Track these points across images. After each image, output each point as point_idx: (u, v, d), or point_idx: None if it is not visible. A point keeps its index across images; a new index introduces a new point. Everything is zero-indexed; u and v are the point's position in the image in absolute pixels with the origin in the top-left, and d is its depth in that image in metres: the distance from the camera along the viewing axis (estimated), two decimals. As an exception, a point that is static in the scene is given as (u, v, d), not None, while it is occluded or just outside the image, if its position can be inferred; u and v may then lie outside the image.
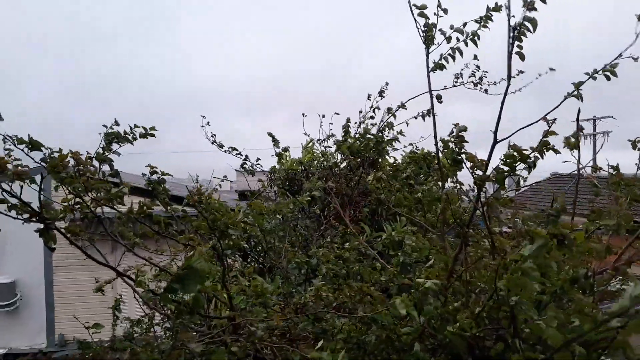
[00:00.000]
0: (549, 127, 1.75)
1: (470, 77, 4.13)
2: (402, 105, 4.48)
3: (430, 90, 2.63)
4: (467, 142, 1.77)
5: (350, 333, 1.88)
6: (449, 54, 2.76)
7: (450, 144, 1.77)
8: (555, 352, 1.48)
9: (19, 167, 1.77)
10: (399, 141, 4.50)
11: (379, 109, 4.78)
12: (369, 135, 4.44)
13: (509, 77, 2.00)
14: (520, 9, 1.95)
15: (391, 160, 6.20)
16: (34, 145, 1.88)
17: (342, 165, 5.68)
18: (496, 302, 1.84)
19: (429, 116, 4.60)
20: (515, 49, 2.00)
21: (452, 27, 2.65)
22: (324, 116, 5.54)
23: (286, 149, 5.98)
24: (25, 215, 1.79)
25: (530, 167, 1.80)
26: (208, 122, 5.51)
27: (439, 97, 2.75)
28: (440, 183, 4.60)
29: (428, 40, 2.61)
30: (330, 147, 5.69)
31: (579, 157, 2.18)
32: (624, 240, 2.28)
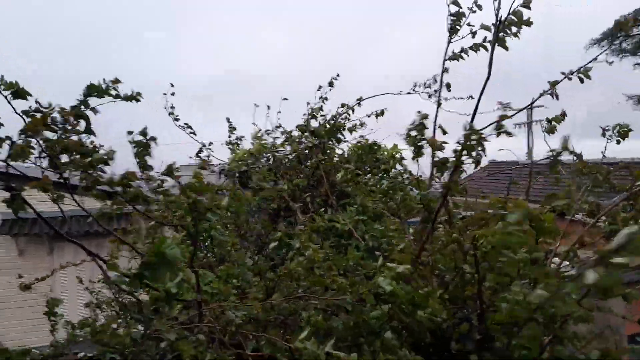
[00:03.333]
0: (505, 110, 1.83)
1: (426, 87, 4.39)
2: (359, 102, 4.61)
3: (441, 80, 2.80)
4: (427, 128, 1.84)
5: (317, 323, 1.88)
6: (470, 48, 2.87)
7: (412, 132, 1.82)
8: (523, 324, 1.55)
9: None
10: (362, 127, 4.62)
11: (327, 99, 4.83)
12: (333, 121, 4.54)
13: (490, 69, 2.09)
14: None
15: (338, 152, 6.28)
16: (20, 93, 1.63)
17: (290, 157, 5.68)
18: (461, 282, 1.91)
19: (382, 115, 4.78)
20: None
21: (482, 25, 2.71)
22: (271, 108, 5.52)
23: (240, 138, 5.90)
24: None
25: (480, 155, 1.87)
26: (173, 92, 5.45)
27: (448, 86, 2.89)
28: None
29: (453, 30, 2.79)
30: (278, 137, 5.69)
31: (531, 144, 2.30)
32: (573, 226, 2.41)
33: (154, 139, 2.15)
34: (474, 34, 2.84)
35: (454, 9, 2.83)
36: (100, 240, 12.94)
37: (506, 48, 2.14)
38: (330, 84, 4.90)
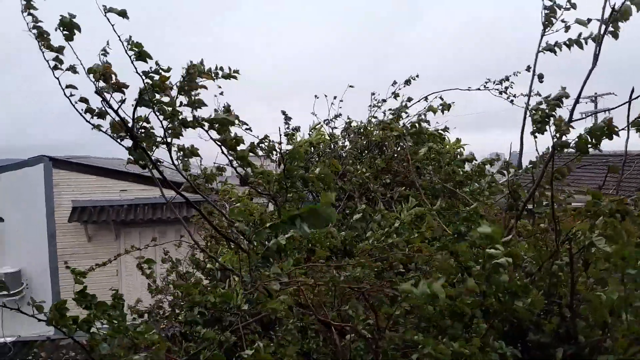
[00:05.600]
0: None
1: (497, 84, 4.41)
2: (425, 98, 4.58)
3: (533, 71, 2.72)
4: (561, 106, 1.79)
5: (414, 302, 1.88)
6: (564, 43, 2.74)
7: (543, 105, 1.78)
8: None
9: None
10: (447, 134, 4.58)
11: (399, 95, 4.77)
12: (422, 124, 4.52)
13: (596, 58, 2.00)
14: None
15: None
16: (142, 55, 1.74)
17: (347, 148, 5.66)
18: (547, 274, 1.85)
19: (448, 110, 4.64)
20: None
21: (577, 20, 2.59)
22: (335, 97, 5.50)
23: (297, 129, 5.92)
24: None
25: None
26: (222, 93, 5.51)
27: (540, 77, 2.80)
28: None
29: (547, 22, 2.68)
30: (337, 127, 5.68)
31: (627, 137, 2.17)
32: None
33: (237, 117, 2.25)
34: (567, 28, 2.72)
35: (548, 2, 2.71)
36: (163, 227, 13.40)
37: (616, 37, 2.03)
38: (407, 82, 4.82)
